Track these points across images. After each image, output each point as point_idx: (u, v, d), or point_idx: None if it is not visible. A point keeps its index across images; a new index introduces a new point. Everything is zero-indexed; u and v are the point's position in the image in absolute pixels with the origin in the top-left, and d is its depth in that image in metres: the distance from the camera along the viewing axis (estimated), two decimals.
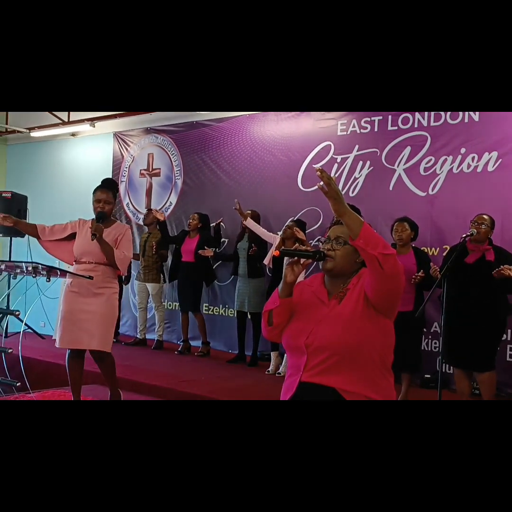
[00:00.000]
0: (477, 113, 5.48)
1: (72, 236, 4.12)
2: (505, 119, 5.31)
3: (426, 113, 5.77)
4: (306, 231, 5.94)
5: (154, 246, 6.95)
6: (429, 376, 5.39)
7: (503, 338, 4.57)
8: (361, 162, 6.19)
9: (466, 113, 5.53)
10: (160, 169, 8.05)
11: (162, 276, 7.23)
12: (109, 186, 4.20)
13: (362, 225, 1.96)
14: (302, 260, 2.20)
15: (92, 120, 8.34)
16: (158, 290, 7.19)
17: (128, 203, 8.34)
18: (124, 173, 8.39)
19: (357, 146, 6.22)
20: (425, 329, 5.56)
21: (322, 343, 2.08)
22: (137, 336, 7.37)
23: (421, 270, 4.49)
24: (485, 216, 4.30)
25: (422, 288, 4.57)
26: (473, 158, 5.48)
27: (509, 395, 4.98)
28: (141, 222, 7.88)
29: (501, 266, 3.95)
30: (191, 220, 6.75)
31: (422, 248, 5.46)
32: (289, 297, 2.21)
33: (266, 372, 5.90)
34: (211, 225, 6.90)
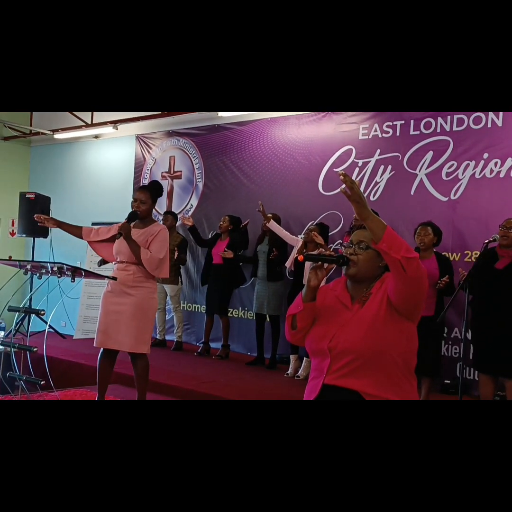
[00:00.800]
0: (500, 118, 5.45)
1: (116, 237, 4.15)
2: None
3: (448, 117, 5.75)
4: (329, 235, 5.95)
5: (176, 251, 6.97)
6: (449, 381, 5.36)
7: None
8: (382, 166, 6.19)
9: (489, 118, 5.51)
10: (181, 171, 8.10)
11: (179, 277, 7.27)
12: (148, 186, 4.26)
13: (385, 228, 1.97)
14: (325, 265, 2.21)
15: (115, 122, 8.42)
16: (177, 291, 7.23)
17: None
18: (146, 176, 8.46)
19: (378, 150, 6.22)
20: (445, 334, 5.55)
21: (345, 346, 2.10)
22: (157, 337, 7.42)
23: (447, 276, 4.47)
24: None
25: (443, 293, 4.56)
26: (496, 163, 5.45)
27: None
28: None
29: None
30: (221, 223, 6.76)
31: (443, 253, 5.46)
32: (313, 302, 2.23)
33: (285, 375, 5.91)
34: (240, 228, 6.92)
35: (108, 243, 4.19)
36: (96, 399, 4.16)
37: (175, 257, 6.95)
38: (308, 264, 2.27)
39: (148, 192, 4.13)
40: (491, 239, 4.21)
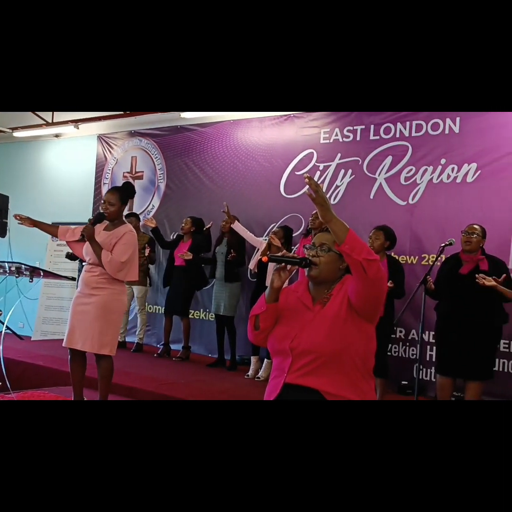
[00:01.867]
0: (457, 124, 5.60)
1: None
2: (485, 131, 5.44)
3: (407, 123, 5.88)
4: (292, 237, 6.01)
5: (148, 248, 6.92)
6: (406, 382, 5.47)
7: None
8: (343, 170, 6.28)
9: (447, 124, 5.65)
10: (143, 172, 8.07)
11: (148, 279, 7.23)
12: (118, 188, 4.21)
13: (347, 231, 2.02)
14: (288, 267, 2.25)
15: (76, 121, 8.33)
16: (144, 293, 7.19)
17: None
18: (107, 176, 8.39)
19: (339, 155, 6.31)
20: (402, 336, 5.68)
21: (306, 346, 2.14)
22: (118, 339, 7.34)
23: (390, 281, 4.52)
24: (476, 226, 4.35)
25: (393, 296, 4.64)
26: (453, 169, 5.59)
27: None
28: None
29: (476, 275, 4.03)
30: (183, 224, 6.74)
31: (401, 257, 5.57)
32: (276, 302, 2.26)
33: (245, 376, 5.94)
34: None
35: (82, 243, 4.15)
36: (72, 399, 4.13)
37: (146, 255, 6.89)
38: (271, 266, 2.31)
39: (117, 194, 4.09)
40: (447, 242, 4.31)
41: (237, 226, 6.15)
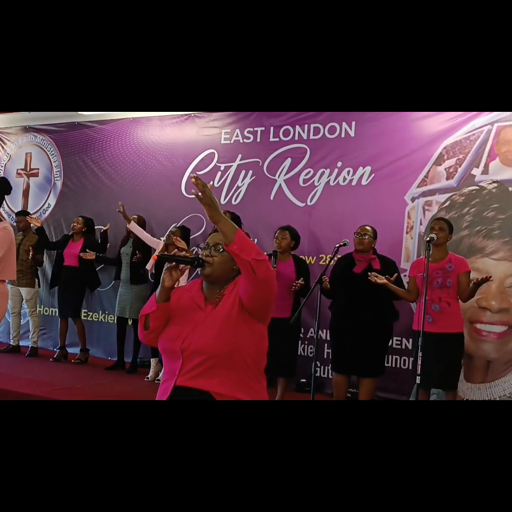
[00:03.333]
0: (353, 128, 5.77)
1: None
2: (379, 136, 5.64)
3: (306, 126, 6.00)
4: (190, 237, 5.98)
5: (31, 251, 6.66)
6: (304, 380, 5.56)
7: None
8: (244, 171, 6.32)
9: (343, 128, 5.81)
10: (38, 169, 7.75)
11: (37, 280, 6.95)
12: None
13: (236, 231, 2.02)
14: (180, 266, 2.22)
15: None
16: (33, 295, 6.89)
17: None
18: None
19: (240, 155, 6.34)
20: (301, 335, 5.77)
21: (197, 347, 2.11)
22: (10, 342, 7.03)
23: (301, 278, 4.63)
24: (367, 227, 4.52)
25: (300, 295, 4.73)
26: (348, 172, 5.76)
27: (378, 398, 5.24)
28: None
29: (369, 273, 4.18)
30: (75, 224, 6.56)
31: (300, 257, 5.68)
32: (167, 302, 2.23)
33: (145, 379, 5.84)
34: (100, 231, 6.74)
35: None
36: None
37: (30, 258, 6.64)
38: (166, 266, 2.26)
39: None
40: (342, 243, 4.43)
41: (133, 227, 6.06)
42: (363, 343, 4.31)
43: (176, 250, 2.33)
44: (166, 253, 4.92)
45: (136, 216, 6.21)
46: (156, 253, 5.77)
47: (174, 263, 2.21)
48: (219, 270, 2.22)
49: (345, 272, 4.42)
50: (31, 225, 6.63)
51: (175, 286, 2.28)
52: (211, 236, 2.30)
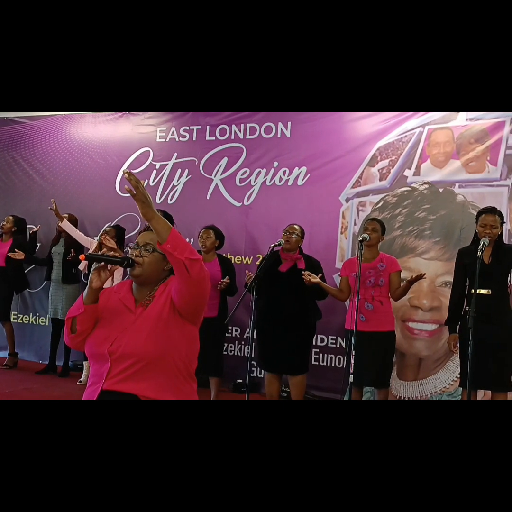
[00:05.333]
0: (288, 128, 5.80)
1: None
2: (314, 136, 5.68)
3: (242, 125, 5.98)
4: (125, 237, 5.86)
5: None
6: (240, 381, 5.55)
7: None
8: (179, 170, 6.25)
9: (279, 128, 5.83)
10: None
11: None
12: None
13: (170, 230, 1.97)
14: (109, 266, 2.15)
15: None
16: None
17: None
18: None
19: (176, 154, 6.27)
20: (238, 335, 5.76)
21: (126, 350, 2.05)
22: None
23: (227, 277, 4.61)
24: (296, 226, 4.55)
25: (226, 293, 4.71)
26: (284, 172, 5.78)
27: (314, 397, 5.29)
28: None
29: (303, 272, 4.21)
30: (4, 223, 6.35)
31: (237, 257, 5.66)
32: (95, 304, 2.15)
33: (77, 383, 5.69)
34: (29, 232, 6.51)
35: None
36: None
37: None
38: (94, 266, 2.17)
39: None
40: (276, 243, 4.44)
41: (66, 225, 5.90)
42: (287, 341, 4.35)
43: (104, 249, 2.26)
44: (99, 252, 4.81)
45: (67, 215, 6.04)
46: (90, 252, 5.64)
47: (102, 263, 2.14)
48: (149, 271, 2.17)
49: (271, 270, 4.43)
50: None
51: (104, 287, 2.21)
52: (141, 235, 2.24)
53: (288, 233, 4.48)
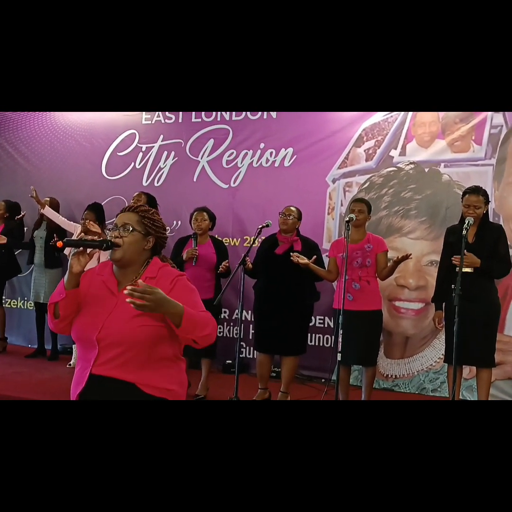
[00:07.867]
0: None
1: None
2: (300, 118, 5.67)
3: None
4: (111, 220, 5.82)
5: None
6: (230, 361, 5.58)
7: None
8: (166, 152, 6.22)
9: None
10: None
11: None
12: None
13: (182, 317, 1.97)
14: (89, 250, 2.12)
15: None
16: None
17: None
18: None
19: (162, 136, 6.24)
20: (227, 316, 5.78)
21: (116, 338, 2.03)
22: None
23: (227, 260, 4.59)
24: (292, 208, 4.51)
25: (221, 276, 4.71)
26: (271, 153, 5.78)
27: (302, 376, 5.33)
28: None
29: (291, 254, 4.21)
30: None
31: (224, 239, 5.65)
32: (76, 288, 2.13)
33: (67, 366, 5.69)
34: (15, 219, 6.46)
35: None
36: None
37: None
38: (73, 251, 2.15)
39: None
40: (264, 224, 4.44)
41: (48, 211, 5.85)
42: (284, 323, 4.36)
43: (82, 233, 2.25)
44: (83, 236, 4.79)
45: (48, 199, 5.96)
46: (75, 237, 5.61)
47: (81, 248, 2.11)
48: (130, 252, 2.11)
49: (268, 253, 4.44)
50: None
51: (87, 268, 2.19)
52: (119, 216, 2.17)
53: (285, 215, 4.45)
